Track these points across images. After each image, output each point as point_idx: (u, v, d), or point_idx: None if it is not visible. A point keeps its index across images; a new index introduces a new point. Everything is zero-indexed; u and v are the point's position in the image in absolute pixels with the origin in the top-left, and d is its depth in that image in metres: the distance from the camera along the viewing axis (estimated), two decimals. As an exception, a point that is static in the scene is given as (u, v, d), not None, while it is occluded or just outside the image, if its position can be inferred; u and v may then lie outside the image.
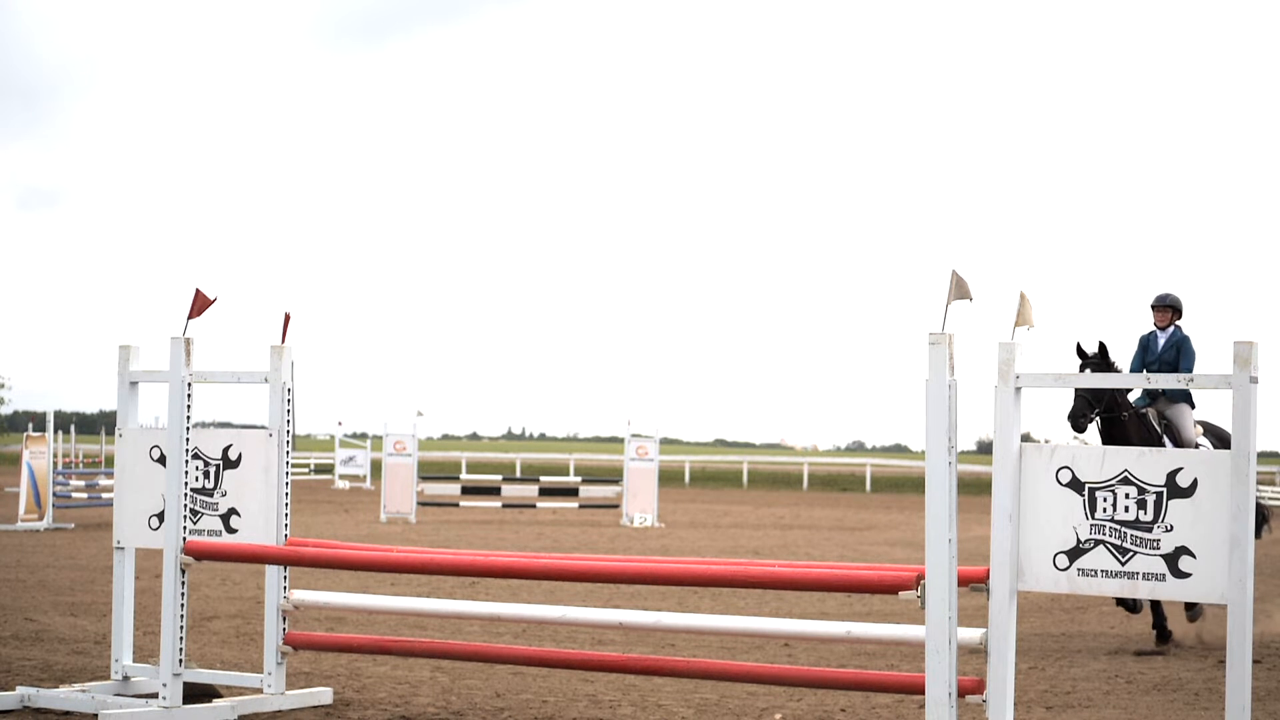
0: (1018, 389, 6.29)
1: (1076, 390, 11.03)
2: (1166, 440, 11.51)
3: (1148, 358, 11.88)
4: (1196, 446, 11.45)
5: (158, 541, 8.19)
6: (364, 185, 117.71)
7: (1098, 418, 11.30)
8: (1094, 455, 6.16)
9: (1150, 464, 6.02)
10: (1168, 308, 11.92)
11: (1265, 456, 54.79)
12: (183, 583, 8.00)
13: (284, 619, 8.26)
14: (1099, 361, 11.27)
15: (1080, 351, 11.33)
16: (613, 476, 36.68)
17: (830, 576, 7.24)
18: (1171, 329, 11.90)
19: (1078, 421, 11.20)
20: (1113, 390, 11.10)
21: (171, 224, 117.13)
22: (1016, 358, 6.31)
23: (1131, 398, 11.56)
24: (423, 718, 8.07)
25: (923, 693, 6.38)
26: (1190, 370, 11.44)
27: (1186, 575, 5.93)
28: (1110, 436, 11.24)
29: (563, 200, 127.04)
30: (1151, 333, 12.00)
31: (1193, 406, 11.75)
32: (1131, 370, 11.80)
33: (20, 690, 8.18)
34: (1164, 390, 11.45)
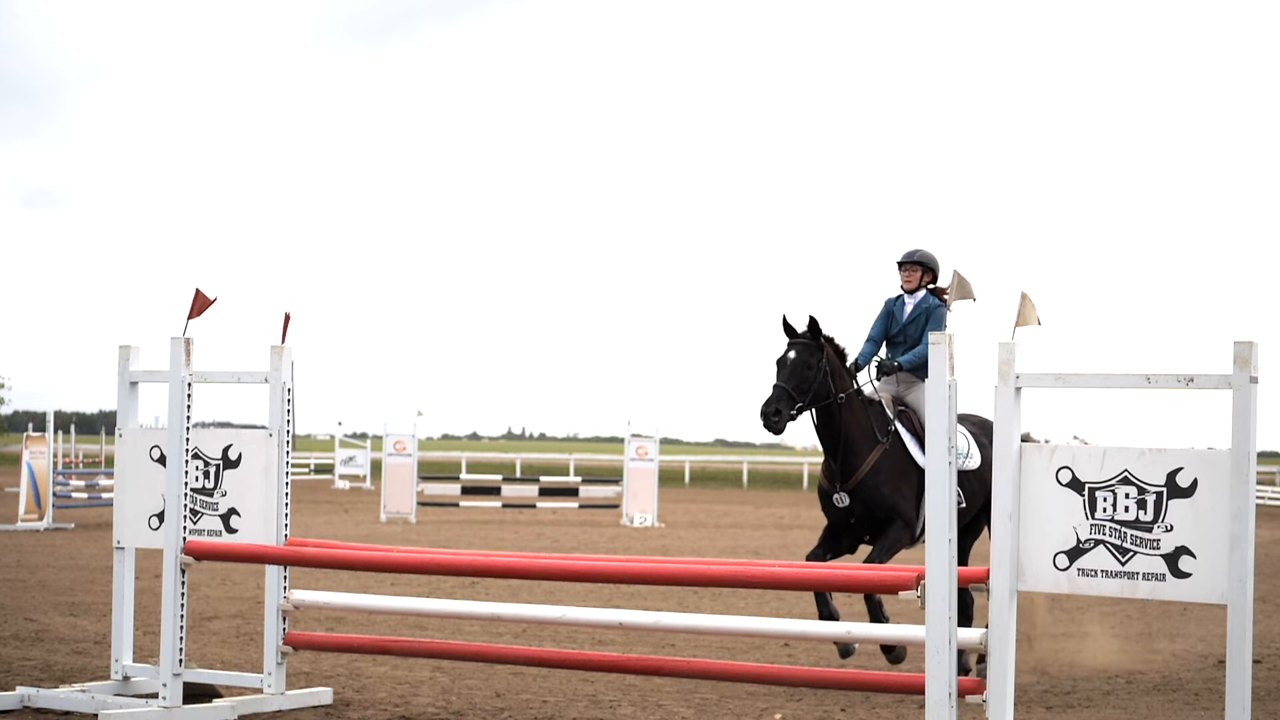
0: (1018, 389, 6.30)
1: (776, 381, 9.39)
2: (899, 427, 9.71)
3: (892, 327, 10.02)
4: None
5: (158, 541, 8.19)
6: (365, 185, 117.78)
7: (811, 410, 9.49)
8: (1094, 455, 6.16)
9: (1150, 464, 6.03)
10: (916, 265, 9.96)
11: (1265, 456, 54.83)
12: (183, 583, 8.00)
13: (284, 619, 8.26)
14: (810, 340, 9.47)
15: (787, 328, 9.55)
16: (613, 476, 36.68)
17: (830, 576, 7.25)
18: (922, 293, 9.97)
19: (770, 420, 9.31)
20: (825, 372, 9.42)
21: (171, 224, 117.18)
22: (1016, 358, 6.31)
23: (870, 373, 9.96)
24: (423, 718, 8.07)
25: (923, 693, 6.38)
26: None
27: (1186, 575, 5.93)
28: (827, 429, 9.53)
29: (563, 201, 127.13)
30: (898, 297, 10.06)
31: None
32: (871, 339, 10.03)
33: (20, 690, 8.19)
34: (901, 366, 9.86)
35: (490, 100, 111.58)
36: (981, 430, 9.82)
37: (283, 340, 8.15)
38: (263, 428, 8.14)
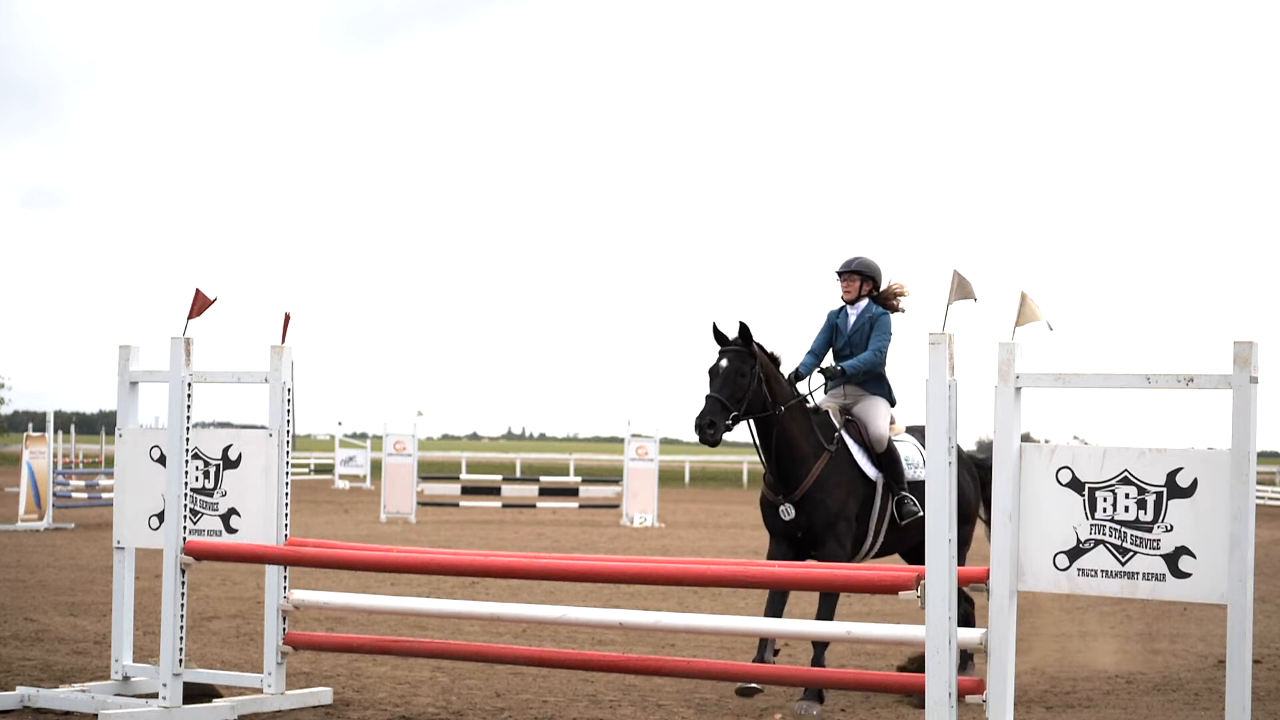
0: (1018, 389, 6.29)
1: (709, 392, 9.06)
2: (846, 437, 9.44)
3: (836, 340, 9.72)
4: (888, 445, 9.49)
5: (158, 541, 8.19)
6: (365, 185, 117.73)
7: (749, 421, 9.18)
8: (1094, 455, 6.16)
9: (1150, 464, 6.03)
10: (855, 274, 9.64)
11: (1265, 457, 54.83)
12: (183, 583, 8.00)
13: (284, 619, 8.27)
14: (740, 347, 9.15)
15: (718, 335, 9.19)
16: (613, 476, 36.67)
17: (830, 576, 7.25)
18: (864, 303, 9.67)
19: (705, 434, 8.93)
20: (759, 379, 9.12)
21: (171, 224, 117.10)
22: (1016, 358, 6.31)
23: (815, 383, 9.63)
24: (423, 718, 8.07)
25: (923, 693, 6.38)
26: (882, 353, 9.61)
27: (1186, 575, 5.94)
28: (765, 439, 9.21)
29: (563, 201, 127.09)
30: (841, 308, 9.74)
31: (893, 404, 9.66)
32: (812, 351, 9.74)
33: (20, 690, 8.19)
34: (845, 371, 9.56)
35: (489, 100, 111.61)
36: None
37: (283, 340, 8.15)
38: (263, 428, 8.15)
